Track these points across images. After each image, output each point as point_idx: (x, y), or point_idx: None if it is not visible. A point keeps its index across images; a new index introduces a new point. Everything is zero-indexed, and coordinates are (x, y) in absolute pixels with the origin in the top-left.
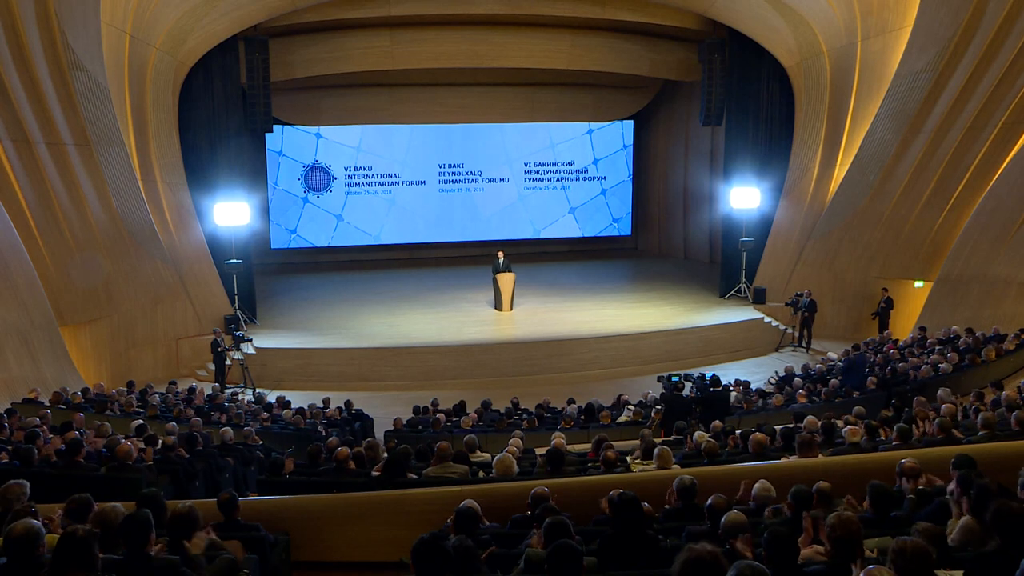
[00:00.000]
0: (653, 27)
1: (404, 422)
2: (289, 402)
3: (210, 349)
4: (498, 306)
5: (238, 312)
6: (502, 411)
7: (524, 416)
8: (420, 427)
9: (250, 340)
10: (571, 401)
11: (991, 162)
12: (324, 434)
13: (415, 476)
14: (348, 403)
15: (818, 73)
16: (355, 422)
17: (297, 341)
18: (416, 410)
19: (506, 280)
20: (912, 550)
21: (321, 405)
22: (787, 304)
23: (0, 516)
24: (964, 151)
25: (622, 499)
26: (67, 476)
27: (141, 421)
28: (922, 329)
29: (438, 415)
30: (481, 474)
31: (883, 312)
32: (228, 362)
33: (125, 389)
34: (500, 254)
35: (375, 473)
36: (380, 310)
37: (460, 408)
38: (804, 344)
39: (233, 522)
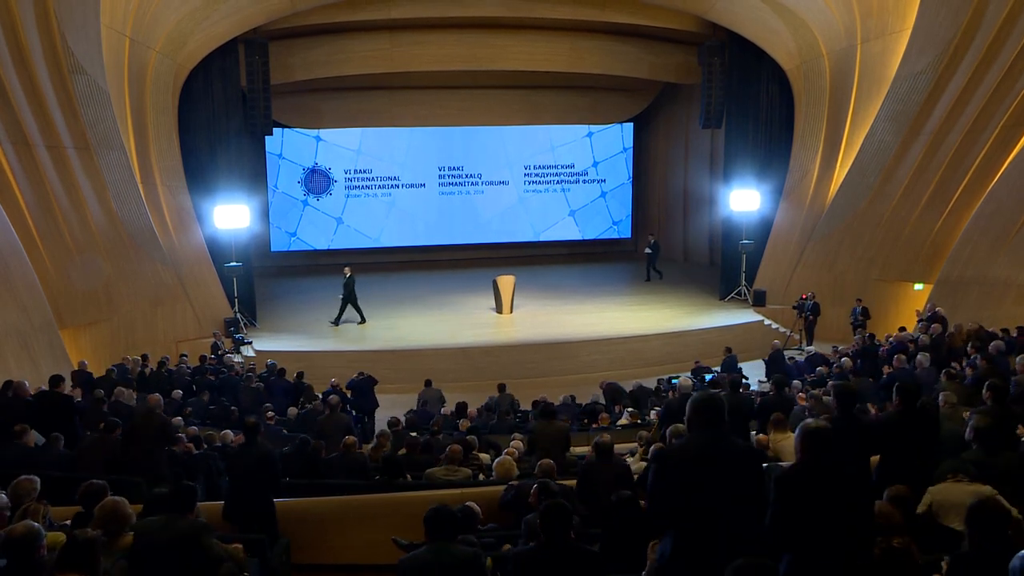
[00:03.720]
0: (652, 30)
1: (403, 422)
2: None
3: (210, 351)
4: (498, 309)
5: (238, 315)
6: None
7: (522, 418)
8: (422, 427)
9: (250, 343)
10: (572, 398)
11: (991, 164)
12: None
13: (413, 478)
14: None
15: (818, 75)
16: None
17: (297, 344)
18: (421, 401)
19: (506, 283)
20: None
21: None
22: (793, 307)
23: (12, 511)
24: (964, 153)
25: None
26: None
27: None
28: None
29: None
30: (482, 476)
31: (860, 324)
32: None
33: (140, 359)
34: (347, 270)
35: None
36: (380, 313)
37: (462, 409)
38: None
39: (252, 443)
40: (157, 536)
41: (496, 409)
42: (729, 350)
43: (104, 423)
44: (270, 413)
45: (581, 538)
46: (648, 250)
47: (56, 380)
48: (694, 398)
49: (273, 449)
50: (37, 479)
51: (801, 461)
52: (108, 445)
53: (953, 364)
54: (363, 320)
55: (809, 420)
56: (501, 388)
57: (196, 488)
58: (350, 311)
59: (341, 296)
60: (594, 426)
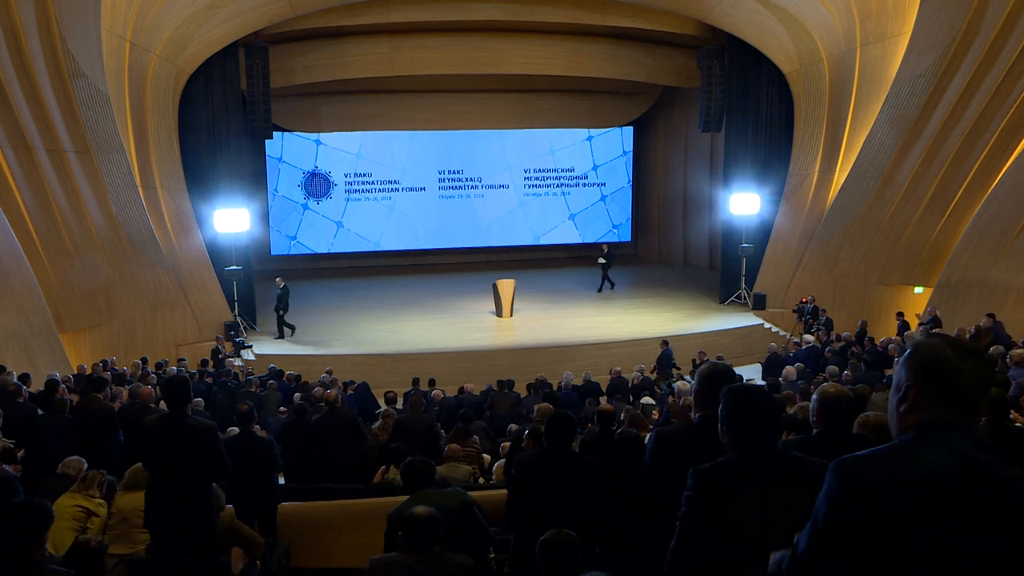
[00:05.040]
0: (652, 33)
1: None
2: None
3: (212, 356)
4: (498, 312)
5: (238, 318)
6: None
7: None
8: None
9: (250, 347)
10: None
11: (990, 167)
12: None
13: None
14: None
15: (817, 79)
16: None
17: (297, 348)
18: (415, 381)
19: (506, 286)
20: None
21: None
22: (793, 311)
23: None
24: (963, 156)
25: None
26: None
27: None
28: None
29: (435, 392)
30: (482, 480)
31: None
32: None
33: (140, 362)
34: (279, 281)
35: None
36: (380, 316)
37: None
38: None
39: (249, 433)
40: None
41: (492, 410)
42: (665, 343)
43: (91, 382)
44: (283, 408)
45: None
46: (601, 260)
47: (52, 385)
48: (702, 371)
49: (268, 437)
50: (83, 460)
51: (817, 428)
52: (96, 405)
53: None
54: (281, 336)
55: (826, 385)
56: (509, 385)
57: (187, 378)
58: (295, 320)
59: (277, 308)
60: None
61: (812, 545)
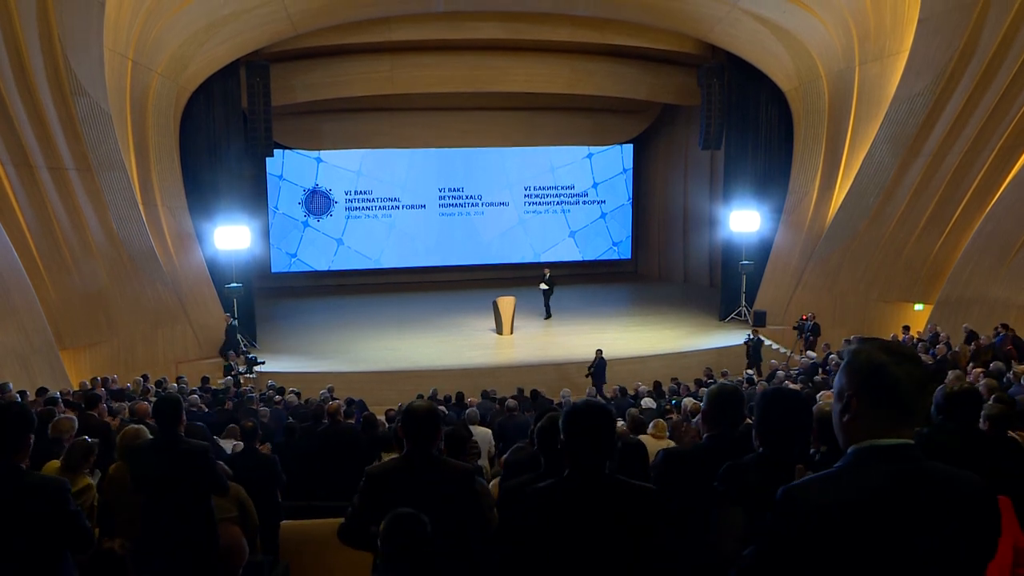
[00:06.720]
0: (652, 52)
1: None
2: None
3: (223, 373)
4: (498, 330)
5: (239, 336)
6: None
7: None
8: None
9: (263, 363)
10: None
11: (989, 185)
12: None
13: None
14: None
15: (817, 97)
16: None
17: (297, 365)
18: (419, 398)
19: (506, 304)
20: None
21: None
22: (794, 328)
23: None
24: (962, 174)
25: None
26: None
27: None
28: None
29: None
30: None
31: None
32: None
33: (141, 379)
34: (227, 317)
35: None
36: (380, 334)
37: (459, 399)
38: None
39: (252, 450)
40: (156, 459)
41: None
42: (600, 352)
43: (86, 398)
44: (278, 398)
45: None
46: (543, 285)
47: (51, 401)
48: (711, 391)
49: (272, 455)
50: (75, 419)
51: (814, 448)
52: (93, 422)
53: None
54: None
55: (822, 404)
56: (502, 402)
57: (179, 398)
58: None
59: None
60: None
61: (757, 563)
